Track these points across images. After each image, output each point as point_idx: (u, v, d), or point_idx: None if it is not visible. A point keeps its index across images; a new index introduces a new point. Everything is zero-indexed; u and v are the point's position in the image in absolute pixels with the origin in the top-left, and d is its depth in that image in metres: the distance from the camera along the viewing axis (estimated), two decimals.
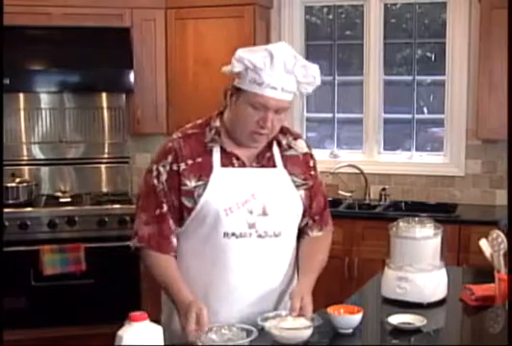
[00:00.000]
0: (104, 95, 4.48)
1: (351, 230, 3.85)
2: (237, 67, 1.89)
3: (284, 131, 2.08)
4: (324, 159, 4.43)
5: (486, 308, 2.05)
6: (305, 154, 2.10)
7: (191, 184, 1.94)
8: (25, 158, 4.44)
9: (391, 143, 4.46)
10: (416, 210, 4.02)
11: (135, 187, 4.34)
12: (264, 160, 2.01)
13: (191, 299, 1.85)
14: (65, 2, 4.06)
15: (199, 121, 2.06)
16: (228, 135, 1.99)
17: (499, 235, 2.14)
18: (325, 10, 4.57)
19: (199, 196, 1.93)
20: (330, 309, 1.91)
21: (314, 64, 1.96)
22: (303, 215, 2.09)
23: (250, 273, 1.96)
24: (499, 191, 4.13)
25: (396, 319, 1.92)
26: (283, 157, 2.04)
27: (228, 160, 1.97)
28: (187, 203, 1.95)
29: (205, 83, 4.13)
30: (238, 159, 1.98)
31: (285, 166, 2.03)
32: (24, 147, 4.43)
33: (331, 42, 4.54)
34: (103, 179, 4.55)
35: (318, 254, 2.10)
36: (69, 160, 4.49)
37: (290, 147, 2.06)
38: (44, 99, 4.40)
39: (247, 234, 1.94)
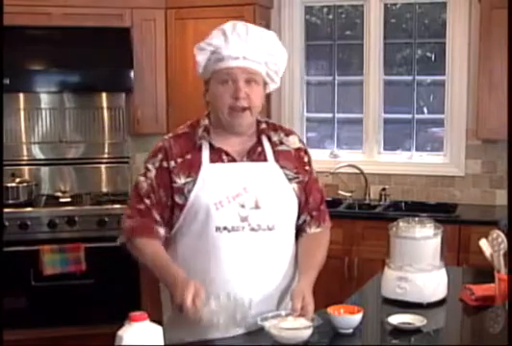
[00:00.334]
0: (104, 95, 4.48)
1: (351, 230, 3.85)
2: (200, 55, 1.99)
3: (276, 128, 2.10)
4: (324, 159, 4.43)
5: (486, 308, 2.05)
6: (297, 149, 2.10)
7: (180, 181, 1.96)
8: (25, 158, 4.43)
9: (391, 143, 4.46)
10: (416, 209, 4.02)
11: None
12: (254, 156, 2.01)
13: (186, 277, 1.85)
14: (65, 2, 4.06)
15: (190, 122, 2.08)
16: (217, 132, 2.01)
17: (499, 235, 2.14)
18: (325, 10, 4.57)
19: (189, 192, 1.95)
20: (330, 309, 1.91)
21: (270, 31, 2.02)
22: (300, 212, 2.09)
23: (245, 267, 1.95)
24: (499, 191, 4.13)
25: (396, 319, 1.92)
26: (274, 152, 2.04)
27: (217, 155, 1.98)
28: (178, 200, 1.96)
29: None
30: (227, 154, 1.99)
31: (276, 161, 2.03)
32: (24, 147, 4.43)
33: (331, 42, 4.54)
34: (103, 179, 4.55)
35: (317, 251, 2.10)
36: (69, 160, 4.48)
37: (281, 143, 2.07)
38: (44, 99, 4.40)
39: (240, 227, 1.94)
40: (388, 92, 4.42)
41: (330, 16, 4.55)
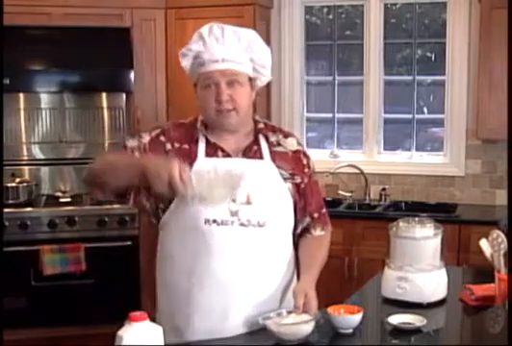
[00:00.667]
0: (104, 95, 4.48)
1: (351, 230, 3.85)
2: (183, 61, 2.01)
3: (275, 129, 2.11)
4: (324, 159, 4.43)
5: (486, 308, 2.05)
6: (295, 151, 2.10)
7: None
8: (25, 158, 4.43)
9: (391, 143, 4.46)
10: (416, 209, 4.02)
11: None
12: (250, 153, 2.02)
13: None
14: (65, 2, 4.06)
15: (191, 117, 2.11)
16: (213, 131, 2.02)
17: (499, 235, 2.14)
18: (325, 10, 4.57)
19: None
20: (330, 309, 1.91)
21: (247, 29, 2.01)
22: (302, 214, 2.10)
23: (234, 262, 1.95)
24: (499, 191, 4.13)
25: (396, 319, 1.92)
26: (271, 152, 2.04)
27: (213, 150, 1.99)
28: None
29: None
30: (223, 151, 2.00)
31: (273, 160, 2.03)
32: (24, 147, 4.43)
33: (331, 42, 4.54)
34: None
35: (317, 251, 2.11)
36: (69, 160, 4.48)
37: (279, 144, 2.07)
38: (44, 99, 4.40)
39: (229, 221, 1.93)
40: (388, 92, 4.42)
41: (330, 16, 4.55)
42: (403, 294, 2.12)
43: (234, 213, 1.94)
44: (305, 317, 1.84)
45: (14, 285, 3.82)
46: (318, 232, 2.14)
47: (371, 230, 3.76)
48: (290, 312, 1.89)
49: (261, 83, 2.08)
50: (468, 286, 2.16)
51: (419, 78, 4.38)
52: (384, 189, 4.27)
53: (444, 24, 4.23)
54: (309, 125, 4.64)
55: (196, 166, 1.96)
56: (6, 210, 3.83)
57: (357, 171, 4.31)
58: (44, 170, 4.46)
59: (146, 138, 2.01)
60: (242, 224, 1.95)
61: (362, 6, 4.39)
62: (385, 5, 4.35)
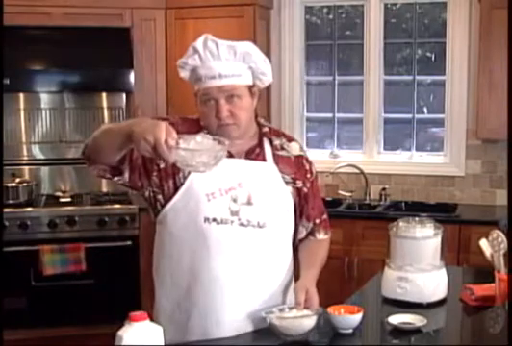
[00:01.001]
0: (104, 95, 4.48)
1: (351, 230, 3.85)
2: (182, 72, 2.01)
3: (279, 133, 2.12)
4: (324, 159, 4.43)
5: (486, 308, 2.05)
6: (298, 156, 2.10)
7: None
8: (25, 158, 4.44)
9: (391, 143, 4.46)
10: (416, 210, 4.02)
11: None
12: (253, 155, 2.02)
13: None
14: (65, 2, 4.06)
15: (197, 115, 2.08)
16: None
17: (499, 235, 2.14)
18: (325, 10, 4.57)
19: (185, 178, 1.94)
20: (330, 309, 1.91)
21: (244, 42, 1.99)
22: (305, 219, 2.11)
23: (232, 262, 1.95)
24: (499, 191, 4.13)
25: (397, 319, 1.92)
26: (274, 155, 2.05)
27: None
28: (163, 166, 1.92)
29: None
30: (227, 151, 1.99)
31: (276, 163, 2.03)
32: (24, 147, 4.43)
33: (331, 42, 4.54)
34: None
35: (319, 250, 2.13)
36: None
37: (282, 148, 2.08)
38: (44, 99, 4.40)
39: (229, 221, 1.94)
40: (388, 92, 4.41)
41: (330, 16, 4.55)
42: (403, 294, 2.13)
43: (234, 213, 1.94)
44: (307, 312, 1.85)
45: (14, 285, 3.82)
46: (321, 236, 2.16)
47: (371, 230, 3.76)
48: (291, 308, 1.90)
49: (262, 84, 2.07)
50: (468, 286, 2.16)
51: (419, 78, 4.38)
52: (384, 189, 4.27)
53: (444, 24, 4.23)
54: (309, 125, 4.63)
55: None
56: (6, 210, 3.82)
57: (357, 171, 4.31)
58: (44, 170, 4.46)
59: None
60: (241, 224, 1.95)
61: (362, 6, 4.39)
62: (385, 5, 4.35)
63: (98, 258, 3.89)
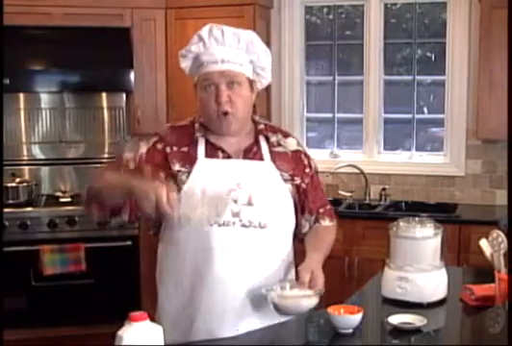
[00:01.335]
0: (104, 95, 4.48)
1: (351, 230, 3.85)
2: (183, 62, 2.02)
3: (275, 130, 2.11)
4: (324, 159, 4.43)
5: (486, 308, 2.05)
6: (295, 151, 2.10)
7: (174, 167, 1.96)
8: (25, 158, 4.44)
9: (391, 143, 4.46)
10: (416, 209, 4.02)
11: None
12: (250, 154, 2.02)
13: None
14: (65, 2, 4.06)
15: (190, 118, 2.10)
16: (212, 132, 2.01)
17: (499, 235, 2.14)
18: (325, 10, 4.57)
19: (183, 183, 1.94)
20: (330, 309, 1.90)
21: (247, 30, 2.01)
22: (309, 212, 2.10)
23: (235, 263, 1.95)
24: (499, 191, 4.13)
25: (396, 319, 1.92)
26: (271, 152, 2.04)
27: (213, 151, 1.99)
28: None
29: None
30: (223, 151, 1.99)
31: (273, 161, 2.03)
32: (24, 147, 4.43)
33: (331, 42, 4.54)
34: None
35: (325, 236, 2.12)
36: (69, 160, 4.48)
37: (279, 144, 2.07)
38: (44, 99, 4.40)
39: (231, 222, 1.93)
40: (388, 92, 4.42)
41: (330, 16, 4.55)
42: (403, 294, 2.12)
43: (235, 214, 1.94)
44: (309, 292, 1.85)
45: (14, 285, 3.82)
46: (326, 222, 2.15)
47: (372, 230, 3.76)
48: (293, 286, 1.89)
49: (261, 85, 2.08)
50: (468, 286, 2.16)
51: (419, 78, 4.38)
52: (384, 189, 4.27)
53: (444, 24, 4.23)
54: (309, 125, 4.63)
55: (197, 166, 1.96)
56: (6, 210, 3.83)
57: (357, 171, 4.31)
58: (44, 170, 4.46)
59: (143, 149, 2.00)
60: (243, 225, 1.95)
61: (362, 6, 4.39)
62: (385, 5, 4.35)
63: (98, 258, 3.89)
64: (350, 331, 1.88)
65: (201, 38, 1.97)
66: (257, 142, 2.04)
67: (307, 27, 4.54)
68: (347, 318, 1.88)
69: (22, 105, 4.39)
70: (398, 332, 1.89)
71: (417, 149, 4.40)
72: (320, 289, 1.87)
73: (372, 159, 4.43)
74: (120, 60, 4.14)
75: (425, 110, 4.43)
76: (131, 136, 4.52)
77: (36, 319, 3.93)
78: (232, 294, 1.95)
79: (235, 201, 1.94)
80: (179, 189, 1.94)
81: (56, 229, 3.92)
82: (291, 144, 2.10)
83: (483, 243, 2.19)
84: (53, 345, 3.81)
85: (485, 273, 2.22)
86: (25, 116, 4.40)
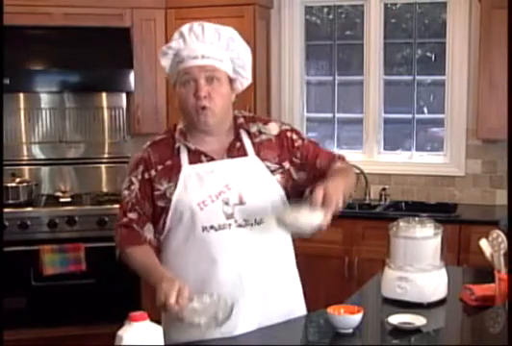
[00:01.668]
0: (104, 95, 4.48)
1: (351, 230, 3.85)
2: (163, 60, 2.01)
3: (254, 119, 2.09)
4: None
5: (486, 308, 2.05)
6: (278, 134, 2.06)
7: (162, 187, 1.97)
8: (25, 158, 4.44)
9: (391, 143, 4.46)
10: (416, 209, 4.02)
11: None
12: (234, 152, 2.00)
13: (173, 276, 1.84)
14: (66, 2, 4.06)
15: (167, 128, 2.11)
16: (192, 135, 2.00)
17: (499, 235, 2.14)
18: (325, 10, 4.57)
19: (171, 195, 1.95)
20: (330, 309, 1.90)
21: (227, 27, 2.00)
22: (318, 175, 2.04)
23: (239, 265, 1.95)
24: (499, 191, 4.13)
25: (396, 319, 1.92)
26: (254, 144, 2.02)
27: (196, 157, 1.98)
28: (161, 204, 1.97)
29: None
30: (206, 155, 1.98)
31: (257, 154, 2.01)
32: (24, 147, 4.43)
33: (331, 42, 4.54)
34: (103, 179, 4.55)
35: (343, 168, 2.05)
36: (69, 160, 4.48)
37: (260, 132, 2.05)
38: (44, 99, 4.40)
39: (226, 225, 1.93)
40: (388, 92, 4.42)
41: (330, 16, 4.55)
42: (403, 294, 2.12)
43: (229, 216, 1.94)
44: (319, 211, 1.78)
45: (14, 285, 3.81)
46: (338, 164, 2.09)
47: (372, 230, 3.76)
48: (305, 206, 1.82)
49: (241, 85, 2.05)
50: (468, 286, 2.16)
51: (419, 78, 4.38)
52: (384, 189, 4.27)
53: (444, 24, 4.23)
54: (309, 125, 4.63)
55: (183, 174, 1.96)
56: (6, 210, 3.83)
57: (357, 171, 4.31)
58: (44, 170, 4.46)
59: (136, 185, 2.00)
60: (239, 225, 1.95)
61: (362, 6, 4.39)
62: (385, 5, 4.35)
63: (98, 258, 3.88)
64: (350, 331, 1.88)
65: (182, 35, 1.97)
66: (239, 137, 2.02)
67: (307, 27, 4.54)
68: (347, 318, 1.88)
69: (22, 105, 4.39)
70: (398, 332, 1.89)
71: (417, 149, 4.41)
72: (337, 208, 1.79)
73: (372, 159, 4.43)
74: (120, 60, 4.14)
75: (425, 110, 4.43)
76: (131, 137, 4.52)
77: (35, 319, 3.92)
78: (240, 295, 1.94)
79: (226, 203, 1.94)
80: (169, 201, 1.95)
81: (56, 229, 3.92)
82: (273, 129, 2.07)
83: (483, 243, 2.19)
84: (53, 345, 3.81)
85: (485, 273, 2.22)
86: (25, 116, 4.40)
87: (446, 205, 4.15)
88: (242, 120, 2.05)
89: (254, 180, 1.98)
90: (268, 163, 2.01)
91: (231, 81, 2.00)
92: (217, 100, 1.94)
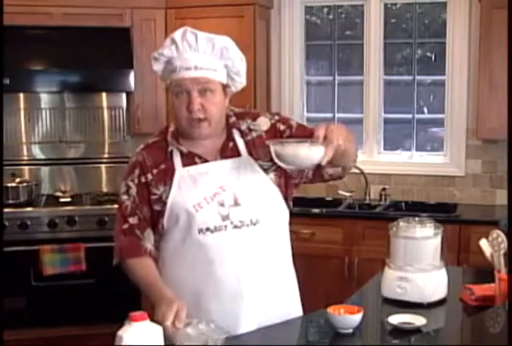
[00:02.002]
0: (104, 95, 4.48)
1: (351, 230, 3.85)
2: (155, 65, 1.99)
3: (243, 115, 2.07)
4: None
5: (486, 308, 2.05)
6: (269, 129, 2.05)
7: (158, 191, 1.97)
8: (25, 158, 4.44)
9: (391, 143, 4.46)
10: (416, 209, 4.02)
11: None
12: (227, 152, 2.00)
13: (173, 296, 1.83)
14: (66, 2, 4.06)
15: (160, 130, 2.09)
16: (185, 137, 2.00)
17: (499, 235, 2.14)
18: (325, 10, 4.57)
19: (167, 198, 1.95)
20: (330, 309, 1.91)
21: (222, 36, 1.97)
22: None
23: (235, 266, 1.95)
24: (499, 191, 4.13)
25: (396, 319, 1.92)
26: (246, 143, 2.02)
27: (190, 160, 1.98)
28: (157, 208, 1.97)
29: None
30: (200, 157, 1.98)
31: (249, 153, 2.01)
32: (24, 147, 4.43)
33: (331, 42, 4.54)
34: (103, 179, 4.55)
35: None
36: (69, 160, 4.48)
37: (250, 130, 2.04)
38: (44, 99, 4.40)
39: (222, 226, 1.93)
40: (388, 92, 4.42)
41: (330, 16, 4.55)
42: (403, 294, 2.12)
43: (225, 217, 1.94)
44: (320, 146, 1.74)
45: (14, 285, 3.81)
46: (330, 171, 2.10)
47: (372, 230, 3.76)
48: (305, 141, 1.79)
49: (235, 88, 2.05)
50: (468, 286, 2.16)
51: (419, 78, 4.38)
52: (384, 189, 4.27)
53: (444, 24, 4.23)
54: (309, 125, 4.63)
55: (177, 177, 1.96)
56: (6, 210, 3.82)
57: (357, 171, 4.31)
58: (44, 170, 4.46)
59: (134, 189, 2.00)
60: (235, 226, 1.94)
61: (362, 6, 4.39)
62: (385, 5, 4.35)
63: (98, 258, 3.88)
64: (350, 331, 1.88)
65: (174, 42, 1.94)
66: (231, 137, 2.02)
67: (307, 27, 4.54)
68: (347, 318, 1.89)
69: (22, 105, 4.38)
70: (398, 332, 1.89)
71: (417, 149, 4.41)
72: (340, 144, 1.78)
73: (372, 159, 4.43)
74: (120, 60, 4.14)
75: (425, 110, 4.43)
76: (131, 136, 4.52)
77: (35, 319, 3.92)
78: (239, 297, 1.94)
79: (221, 204, 1.93)
80: (165, 205, 1.95)
81: (56, 229, 3.92)
82: (262, 124, 2.06)
83: (483, 243, 2.19)
84: (53, 345, 3.81)
85: (485, 273, 2.22)
86: (25, 116, 4.40)
87: (446, 205, 4.15)
88: (233, 119, 2.05)
89: (248, 180, 1.98)
90: (261, 162, 2.01)
91: (224, 87, 1.98)
92: (212, 110, 1.93)
